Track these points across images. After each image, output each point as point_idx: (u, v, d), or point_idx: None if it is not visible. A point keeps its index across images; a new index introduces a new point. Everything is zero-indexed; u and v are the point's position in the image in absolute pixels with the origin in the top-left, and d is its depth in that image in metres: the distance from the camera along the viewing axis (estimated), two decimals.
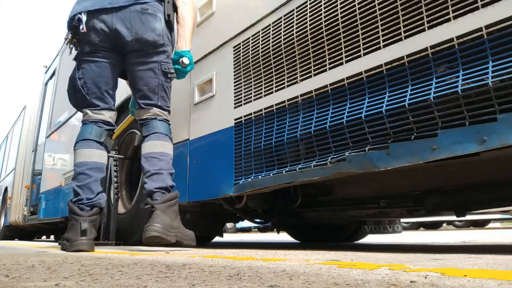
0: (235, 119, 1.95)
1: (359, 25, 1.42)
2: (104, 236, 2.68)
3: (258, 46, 1.86)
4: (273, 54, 1.77)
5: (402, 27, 1.28)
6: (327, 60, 1.53)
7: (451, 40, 1.16)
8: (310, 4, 1.62)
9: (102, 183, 1.93)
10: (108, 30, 1.87)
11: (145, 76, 1.91)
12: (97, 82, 1.93)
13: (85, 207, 1.81)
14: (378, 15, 1.36)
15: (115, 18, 1.86)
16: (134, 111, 2.04)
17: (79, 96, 1.95)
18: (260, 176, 1.74)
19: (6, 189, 7.79)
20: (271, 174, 1.69)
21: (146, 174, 1.83)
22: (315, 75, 1.58)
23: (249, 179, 1.79)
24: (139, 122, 2.00)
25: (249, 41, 1.92)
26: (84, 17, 1.85)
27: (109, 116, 1.98)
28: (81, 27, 1.84)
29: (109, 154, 2.07)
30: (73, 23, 1.88)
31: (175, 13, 2.04)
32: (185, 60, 1.99)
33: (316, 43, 1.58)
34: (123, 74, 2.07)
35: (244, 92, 1.92)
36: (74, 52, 2.01)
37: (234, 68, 2.00)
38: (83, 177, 1.85)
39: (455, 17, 1.16)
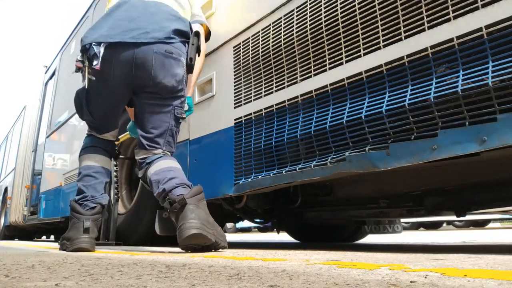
0: (235, 119, 1.95)
1: (359, 25, 1.42)
2: (104, 236, 2.68)
3: (258, 46, 1.86)
4: (273, 54, 1.77)
5: (402, 27, 1.28)
6: (327, 60, 1.53)
7: (451, 40, 1.16)
8: (310, 4, 1.62)
9: (105, 187, 1.94)
10: (126, 68, 1.73)
11: (156, 120, 1.79)
12: (105, 113, 1.92)
13: (89, 203, 1.81)
14: (378, 15, 1.36)
15: (135, 56, 1.71)
16: (135, 151, 1.91)
17: (86, 117, 1.94)
18: (260, 176, 1.74)
19: (6, 189, 7.80)
20: (271, 174, 1.69)
21: (162, 181, 1.67)
22: (315, 75, 1.58)
23: (249, 179, 1.79)
24: (139, 161, 1.83)
25: (249, 41, 1.92)
26: (101, 51, 1.68)
27: (112, 136, 2.02)
28: (95, 63, 1.67)
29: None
30: (87, 54, 1.71)
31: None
32: (185, 107, 1.93)
33: (316, 43, 1.58)
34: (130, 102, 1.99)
35: (244, 92, 1.92)
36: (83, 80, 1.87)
37: (234, 68, 2.00)
38: (89, 179, 1.87)
39: (455, 17, 1.16)
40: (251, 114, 1.86)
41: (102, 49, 1.68)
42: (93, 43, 1.69)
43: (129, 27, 1.74)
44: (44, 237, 9.14)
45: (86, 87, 1.84)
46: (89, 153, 1.93)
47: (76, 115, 3.97)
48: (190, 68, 1.86)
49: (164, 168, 1.73)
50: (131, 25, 1.75)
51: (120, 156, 2.88)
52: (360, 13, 1.42)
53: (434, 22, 1.20)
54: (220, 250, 1.63)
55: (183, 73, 1.82)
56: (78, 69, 1.77)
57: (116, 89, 1.83)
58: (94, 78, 1.76)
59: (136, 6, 1.81)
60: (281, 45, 1.73)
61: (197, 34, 1.89)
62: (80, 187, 1.86)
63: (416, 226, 11.50)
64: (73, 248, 1.75)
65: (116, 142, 2.13)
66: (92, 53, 1.69)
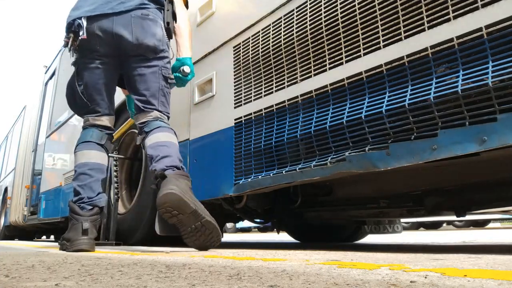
0: (235, 119, 1.95)
1: (359, 25, 1.42)
2: (104, 236, 2.68)
3: (258, 46, 1.86)
4: (273, 54, 1.77)
5: (402, 27, 1.28)
6: (327, 60, 1.53)
7: (451, 40, 1.16)
8: (310, 4, 1.62)
9: (102, 183, 1.94)
10: (109, 36, 1.86)
11: (146, 80, 1.90)
12: (98, 89, 1.94)
13: (86, 206, 1.83)
14: (378, 15, 1.36)
15: (115, 23, 1.85)
16: (134, 117, 1.99)
17: (79, 102, 1.97)
18: (260, 176, 1.74)
19: (6, 189, 7.79)
20: (271, 174, 1.69)
21: (155, 159, 1.75)
22: (315, 75, 1.58)
23: (249, 179, 1.79)
24: (139, 126, 1.94)
25: (249, 41, 1.92)
26: (84, 23, 1.83)
27: (108, 121, 2.02)
28: (81, 33, 1.82)
29: (109, 154, 2.12)
30: (72, 28, 1.86)
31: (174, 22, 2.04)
32: (186, 69, 1.96)
33: (316, 43, 1.58)
34: (120, 81, 2.07)
35: (244, 92, 1.92)
36: (73, 57, 1.99)
37: (234, 68, 2.00)
38: (84, 177, 1.87)
39: (455, 17, 1.16)
40: (251, 114, 1.86)
41: (84, 21, 1.84)
42: (75, 20, 1.85)
43: (106, 0, 1.90)
44: (44, 237, 9.14)
45: (76, 64, 1.95)
46: (83, 150, 1.93)
47: (76, 115, 3.98)
48: (168, 31, 1.98)
49: (160, 142, 1.79)
50: None
51: (120, 156, 2.89)
52: (360, 13, 1.42)
53: (434, 22, 1.20)
54: (211, 242, 1.69)
55: (163, 32, 1.94)
56: (66, 44, 1.91)
57: (104, 60, 1.92)
58: (78, 44, 1.88)
59: None
60: (281, 45, 1.73)
61: (171, 1, 2.03)
62: (76, 187, 1.87)
63: (416, 226, 11.50)
64: (73, 250, 1.77)
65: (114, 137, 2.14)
66: (76, 24, 1.84)
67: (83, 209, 1.82)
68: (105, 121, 2.00)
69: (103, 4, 1.88)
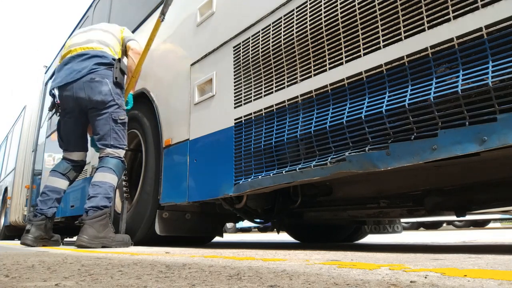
0: (235, 119, 1.95)
1: (359, 25, 1.42)
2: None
3: (258, 46, 1.86)
4: (273, 54, 1.77)
5: (402, 27, 1.28)
6: (327, 60, 1.53)
7: (451, 40, 1.16)
8: (310, 4, 1.62)
9: (56, 200, 2.62)
10: (71, 97, 2.55)
11: (99, 125, 2.53)
12: (68, 135, 2.71)
13: (38, 214, 2.53)
14: (378, 15, 1.36)
15: (74, 88, 2.54)
16: (97, 150, 2.65)
17: (58, 141, 2.79)
18: (260, 176, 1.74)
19: (6, 189, 7.79)
20: (271, 174, 1.69)
21: (88, 196, 2.39)
22: (315, 75, 1.58)
23: (249, 179, 1.79)
24: (98, 159, 2.55)
25: (249, 41, 1.92)
26: (56, 92, 2.62)
27: (77, 156, 2.72)
28: (56, 100, 2.65)
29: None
30: (51, 95, 2.68)
31: (124, 76, 2.69)
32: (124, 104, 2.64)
33: (316, 43, 1.58)
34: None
35: (244, 92, 1.92)
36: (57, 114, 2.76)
37: (234, 68, 2.00)
38: (44, 195, 2.61)
39: (455, 17, 1.16)
40: (251, 114, 1.86)
41: (56, 91, 2.62)
42: (52, 89, 2.65)
43: (69, 72, 2.59)
44: None
45: (58, 118, 2.73)
46: (49, 176, 2.67)
47: None
48: (117, 84, 2.57)
49: (95, 181, 2.40)
50: (70, 70, 2.59)
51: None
52: (360, 13, 1.42)
53: (434, 22, 1.20)
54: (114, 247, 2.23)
55: (109, 88, 2.54)
56: (51, 108, 2.73)
57: (72, 113, 2.62)
58: (58, 109, 2.67)
59: (74, 57, 2.64)
60: (281, 45, 1.73)
61: (119, 60, 2.65)
62: (38, 200, 2.60)
63: (416, 226, 11.50)
64: (20, 243, 2.46)
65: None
66: (52, 94, 2.67)
67: (35, 216, 2.51)
68: (74, 155, 2.71)
69: (66, 76, 2.57)
